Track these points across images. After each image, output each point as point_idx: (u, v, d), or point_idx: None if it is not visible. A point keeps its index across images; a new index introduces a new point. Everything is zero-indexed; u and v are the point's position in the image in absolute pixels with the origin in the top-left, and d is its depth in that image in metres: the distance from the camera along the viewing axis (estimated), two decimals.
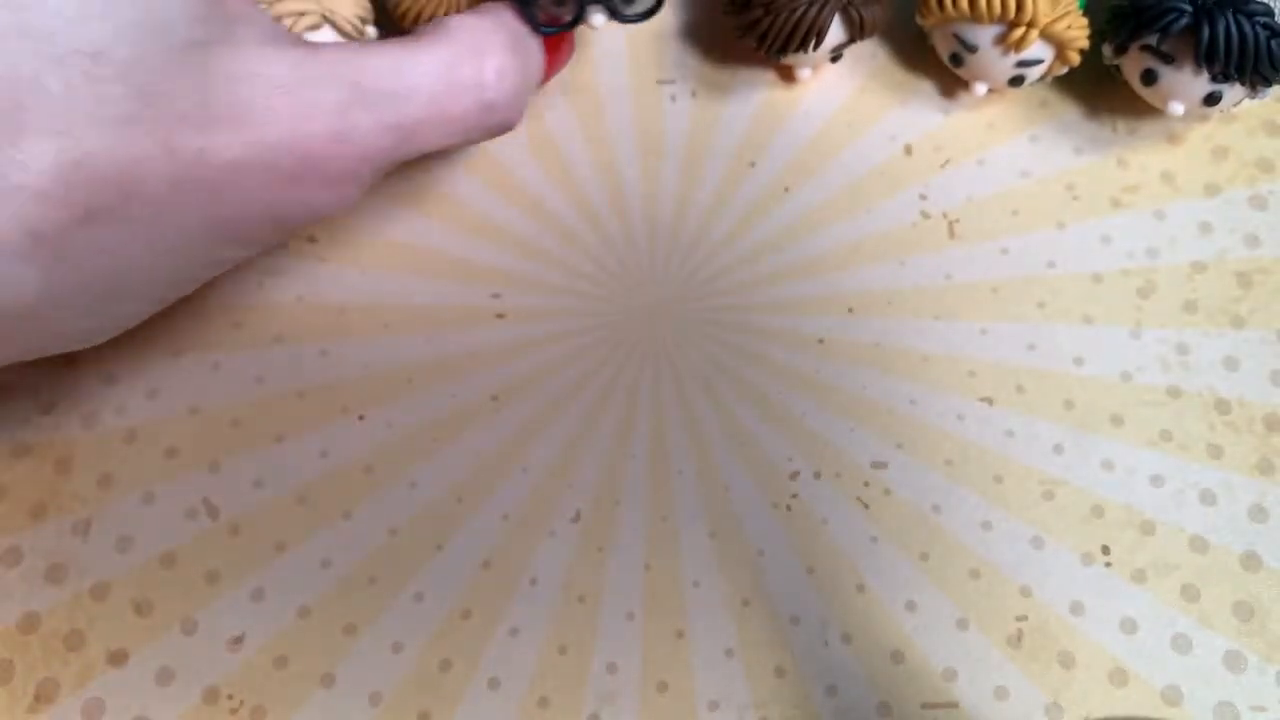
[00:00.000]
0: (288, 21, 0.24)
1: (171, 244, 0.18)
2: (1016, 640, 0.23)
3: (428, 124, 0.20)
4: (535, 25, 0.24)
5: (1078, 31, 0.25)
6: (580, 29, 0.24)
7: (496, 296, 0.26)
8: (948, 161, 0.27)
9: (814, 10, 0.25)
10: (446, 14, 0.25)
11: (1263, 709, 0.22)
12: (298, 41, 0.19)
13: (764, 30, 0.26)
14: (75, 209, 0.17)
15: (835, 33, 0.26)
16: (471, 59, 0.21)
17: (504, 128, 0.22)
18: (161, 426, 0.25)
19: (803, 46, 0.26)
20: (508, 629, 0.23)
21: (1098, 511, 0.24)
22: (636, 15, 0.25)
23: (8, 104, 0.16)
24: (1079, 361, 0.25)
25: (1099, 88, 0.28)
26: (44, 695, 0.23)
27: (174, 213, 0.18)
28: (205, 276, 0.20)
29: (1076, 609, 0.23)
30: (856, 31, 0.26)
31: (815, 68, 0.28)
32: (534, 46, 0.23)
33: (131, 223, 0.17)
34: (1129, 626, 0.23)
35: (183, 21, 0.17)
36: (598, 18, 0.24)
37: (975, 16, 0.25)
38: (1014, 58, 0.26)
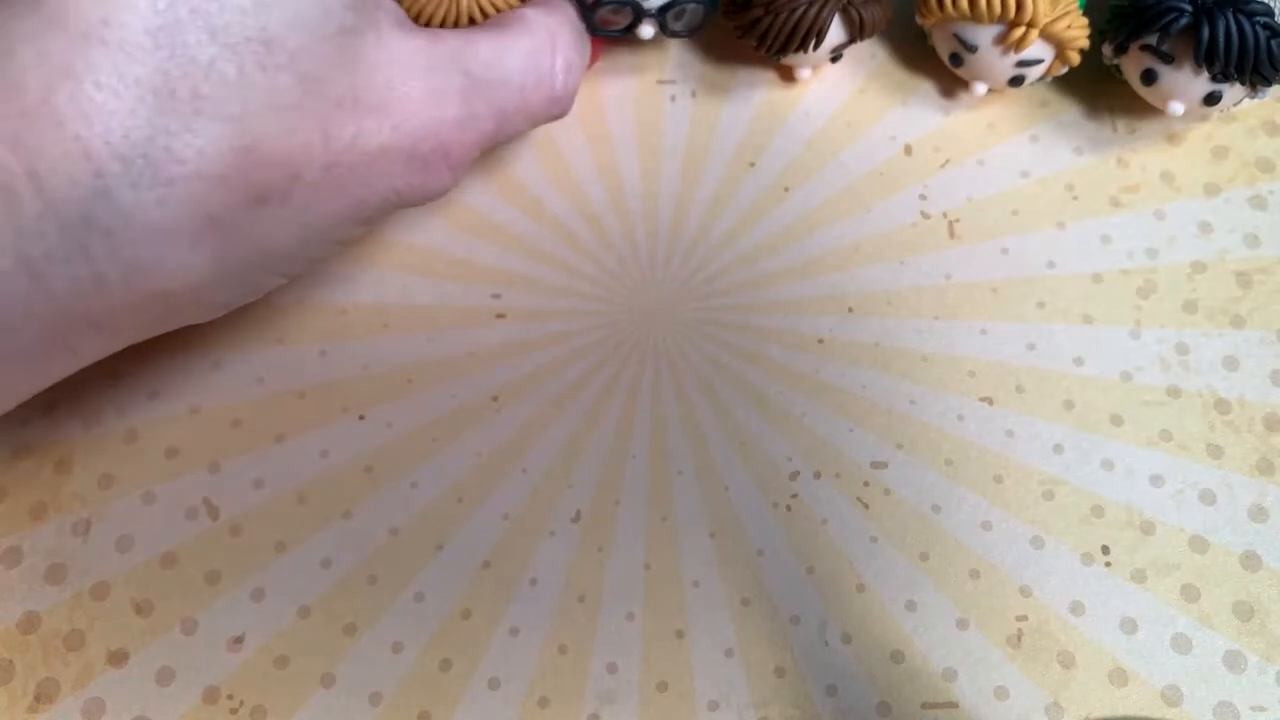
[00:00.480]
0: None
1: (317, 225, 0.19)
2: (1016, 640, 0.23)
3: (518, 111, 0.22)
4: (592, 27, 0.25)
5: (1078, 31, 0.25)
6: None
7: (496, 296, 0.26)
8: (948, 161, 0.27)
9: (814, 10, 0.25)
10: (447, 13, 0.25)
11: (1263, 709, 0.22)
12: (416, 27, 0.20)
13: (764, 30, 0.26)
14: (246, 193, 0.17)
15: (835, 33, 0.26)
16: (547, 52, 0.22)
17: (558, 118, 0.23)
18: (162, 426, 0.25)
19: (803, 47, 0.26)
20: (508, 629, 0.23)
21: (1098, 511, 0.24)
22: (684, 31, 0.26)
23: (186, 90, 0.16)
24: (1079, 361, 0.25)
25: (1099, 88, 0.28)
26: (44, 695, 0.23)
27: (325, 195, 0.19)
28: (329, 254, 0.20)
29: (1076, 609, 0.23)
30: (856, 32, 0.26)
31: (815, 68, 0.28)
32: (587, 44, 0.24)
33: (288, 206, 0.18)
34: (1129, 626, 0.23)
35: (339, 9, 0.18)
36: (646, 29, 0.26)
37: (975, 16, 0.25)
38: (1014, 58, 0.26)
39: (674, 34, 0.26)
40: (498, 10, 0.26)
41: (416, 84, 0.19)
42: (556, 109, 0.23)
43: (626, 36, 0.26)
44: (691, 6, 0.26)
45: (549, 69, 0.22)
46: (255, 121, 0.17)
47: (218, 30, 0.16)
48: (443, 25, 0.26)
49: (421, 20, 0.26)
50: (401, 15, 0.20)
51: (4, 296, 0.16)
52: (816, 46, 0.26)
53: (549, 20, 0.22)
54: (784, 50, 0.26)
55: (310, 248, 0.19)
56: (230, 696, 0.23)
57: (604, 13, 0.25)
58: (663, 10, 0.25)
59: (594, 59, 0.26)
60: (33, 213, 0.16)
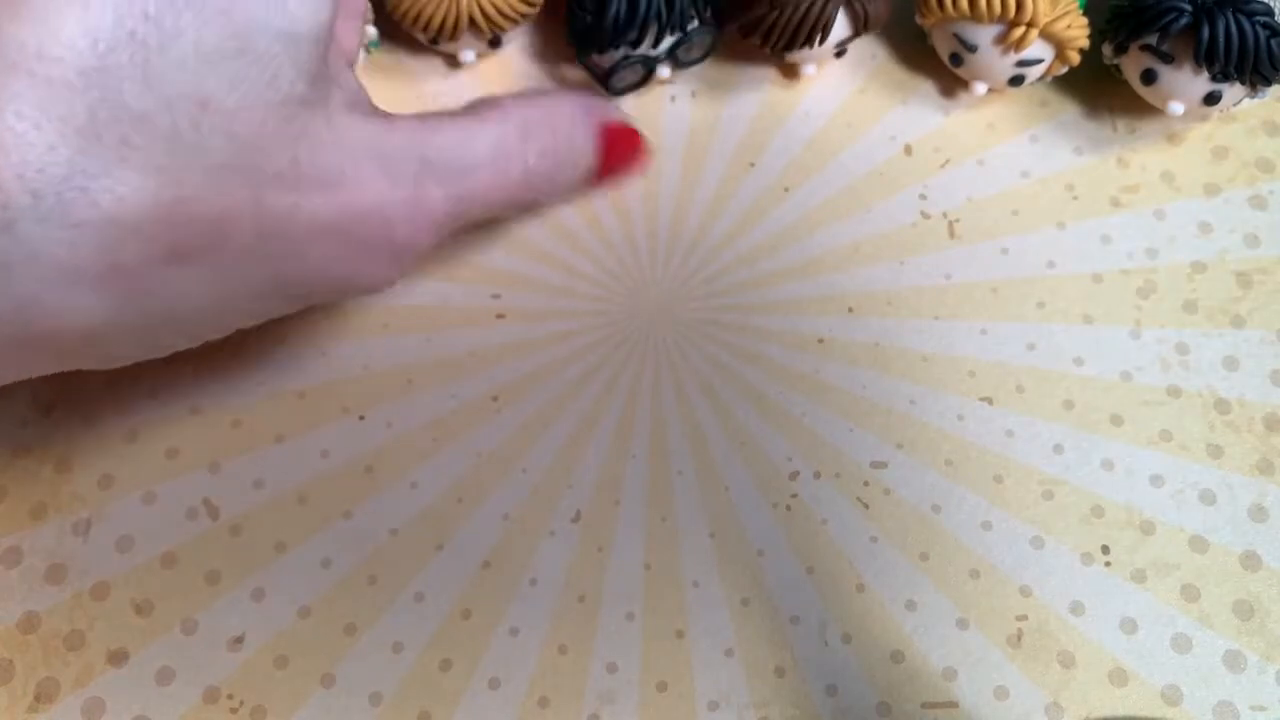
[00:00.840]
0: None
1: (236, 293, 0.18)
2: (1016, 640, 0.23)
3: (480, 200, 0.21)
4: (614, 90, 0.26)
5: (1078, 31, 0.25)
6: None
7: (496, 297, 0.26)
8: (948, 161, 0.27)
9: (819, 5, 0.25)
10: (445, 16, 0.26)
11: (1263, 709, 0.22)
12: (373, 109, 0.20)
13: (770, 27, 0.26)
14: (160, 247, 0.17)
15: (839, 27, 0.26)
16: (519, 142, 0.21)
17: (534, 209, 0.23)
18: (162, 426, 0.25)
19: (808, 42, 0.26)
20: (508, 629, 0.23)
21: (1098, 511, 0.24)
22: (698, 58, 0.27)
23: (113, 136, 0.16)
24: (1079, 361, 0.25)
25: (1099, 88, 0.28)
26: (44, 695, 0.23)
27: (251, 265, 0.18)
28: (244, 325, 0.20)
29: (1076, 609, 0.23)
30: (861, 25, 0.26)
31: (819, 63, 0.28)
32: (580, 138, 0.23)
33: (209, 269, 0.17)
34: (1129, 626, 0.23)
35: (290, 78, 0.17)
36: (664, 70, 0.27)
37: (975, 16, 0.25)
38: (1014, 57, 0.26)
39: (689, 64, 0.27)
40: (499, 12, 0.26)
41: (367, 165, 0.19)
42: (528, 195, 0.22)
43: (648, 84, 0.27)
44: (699, 38, 0.26)
45: (520, 158, 0.21)
46: (183, 177, 0.16)
47: (154, 81, 0.16)
48: (442, 26, 0.26)
49: (420, 23, 0.26)
50: (357, 96, 0.20)
51: None
52: (822, 41, 0.26)
53: (530, 111, 0.22)
54: (790, 47, 0.26)
55: (224, 316, 0.19)
56: (230, 696, 0.23)
57: (622, 74, 0.26)
58: (671, 49, 0.26)
59: (622, 161, 0.24)
60: None
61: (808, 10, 0.25)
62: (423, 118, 0.20)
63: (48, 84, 0.15)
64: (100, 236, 0.16)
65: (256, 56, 0.17)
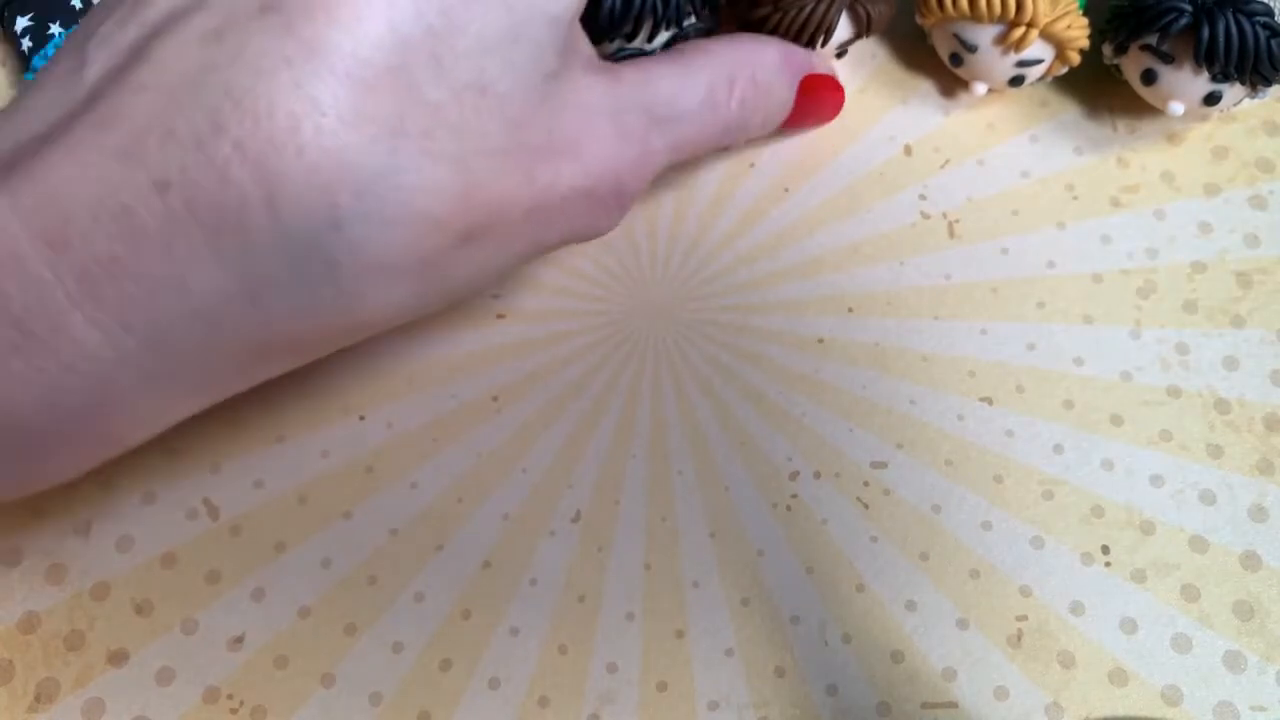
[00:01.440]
0: None
1: (502, 264, 0.19)
2: (1016, 640, 0.23)
3: (688, 145, 0.22)
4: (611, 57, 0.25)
5: (1078, 31, 0.25)
6: None
7: (496, 297, 0.26)
8: (948, 161, 0.27)
9: (822, 7, 0.25)
10: None
11: (1263, 709, 0.22)
12: (601, 67, 0.20)
13: (772, 29, 0.26)
14: (454, 234, 0.17)
15: (842, 29, 0.26)
16: (724, 86, 0.22)
17: (729, 144, 0.23)
18: None
19: (810, 44, 0.26)
20: (508, 629, 0.23)
21: (1098, 511, 0.24)
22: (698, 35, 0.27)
23: (417, 129, 0.16)
24: (1079, 361, 0.25)
25: (1099, 88, 0.28)
26: (44, 695, 0.23)
27: (518, 237, 0.19)
28: (491, 289, 0.20)
29: (1076, 609, 0.23)
30: (863, 27, 0.26)
31: None
32: (780, 87, 0.24)
33: (484, 247, 0.18)
34: (1129, 626, 0.23)
35: (547, 53, 0.18)
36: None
37: (975, 16, 0.25)
38: (1014, 58, 0.26)
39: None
40: None
41: (604, 126, 0.19)
42: (728, 138, 0.23)
43: None
44: (695, 35, 0.26)
45: (724, 102, 0.22)
46: (470, 164, 0.17)
47: (444, 72, 0.16)
48: None
49: None
50: (589, 57, 0.20)
51: (220, 315, 0.16)
52: (824, 44, 0.26)
53: (733, 54, 0.23)
54: None
55: (483, 285, 0.19)
56: (230, 696, 0.23)
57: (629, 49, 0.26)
58: (667, 45, 0.26)
59: (815, 110, 0.26)
60: (265, 239, 0.16)
61: (811, 12, 0.25)
62: (640, 67, 0.21)
63: (363, 85, 0.16)
64: (411, 230, 0.17)
65: (527, 41, 0.17)
